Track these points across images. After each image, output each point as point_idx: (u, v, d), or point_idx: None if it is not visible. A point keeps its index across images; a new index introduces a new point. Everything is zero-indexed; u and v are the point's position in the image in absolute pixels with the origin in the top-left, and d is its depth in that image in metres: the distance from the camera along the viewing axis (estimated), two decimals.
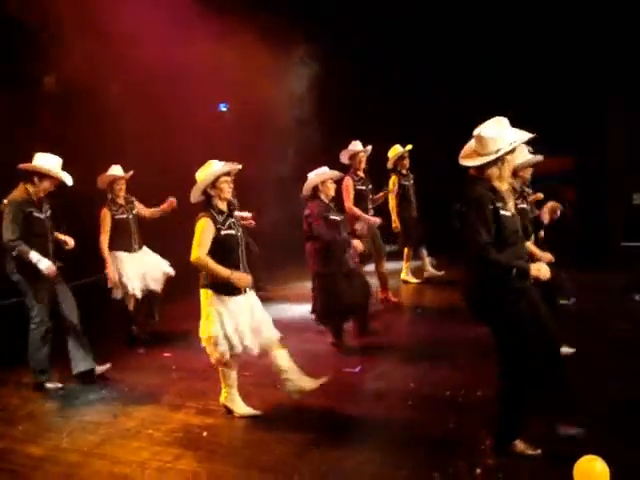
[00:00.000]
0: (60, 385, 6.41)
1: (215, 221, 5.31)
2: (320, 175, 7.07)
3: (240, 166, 5.61)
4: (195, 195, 5.45)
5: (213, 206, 5.39)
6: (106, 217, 7.59)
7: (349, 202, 8.30)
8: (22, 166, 6.32)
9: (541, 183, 9.56)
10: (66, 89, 9.65)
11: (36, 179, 6.30)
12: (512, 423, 4.55)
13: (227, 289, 5.31)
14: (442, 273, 10.25)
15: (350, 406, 5.60)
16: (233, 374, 5.59)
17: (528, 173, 6.25)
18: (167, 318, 8.38)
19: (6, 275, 6.39)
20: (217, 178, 5.35)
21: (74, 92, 9.25)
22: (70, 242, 6.63)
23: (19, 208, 6.19)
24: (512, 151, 4.45)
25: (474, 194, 4.41)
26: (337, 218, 7.11)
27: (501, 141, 4.38)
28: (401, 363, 6.58)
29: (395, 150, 9.71)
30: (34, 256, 6.14)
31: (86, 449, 5.00)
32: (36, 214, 6.30)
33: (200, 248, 5.23)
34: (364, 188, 8.55)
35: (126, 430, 5.32)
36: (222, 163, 5.51)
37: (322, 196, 7.09)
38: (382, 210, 9.48)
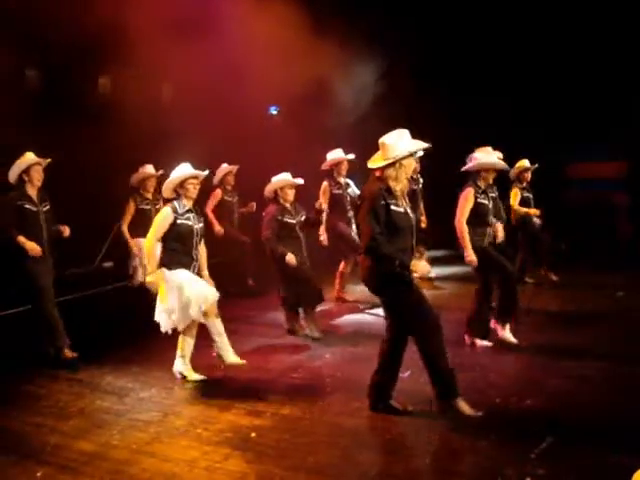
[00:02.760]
0: (76, 354, 6.93)
1: (175, 211, 6.21)
2: (280, 181, 7.66)
3: (207, 173, 6.43)
4: (166, 191, 6.38)
5: (179, 201, 6.28)
6: (130, 205, 8.56)
7: (324, 205, 8.81)
8: (11, 179, 6.94)
9: (593, 188, 9.49)
10: (119, 91, 9.80)
11: (24, 175, 6.89)
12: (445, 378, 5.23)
13: (174, 265, 6.22)
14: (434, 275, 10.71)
15: (399, 412, 5.52)
16: (191, 342, 6.43)
17: (491, 176, 6.98)
18: None
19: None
20: (185, 180, 6.24)
21: (127, 94, 9.38)
22: (66, 230, 7.10)
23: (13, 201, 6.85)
24: (407, 157, 5.20)
25: (369, 191, 5.27)
26: (292, 221, 7.66)
27: (399, 148, 5.17)
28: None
29: None
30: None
31: (135, 446, 5.03)
32: (28, 206, 6.86)
33: (153, 232, 6.23)
34: (341, 192, 9.13)
35: (175, 429, 5.34)
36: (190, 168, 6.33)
37: (281, 200, 7.65)
38: None
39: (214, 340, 6.44)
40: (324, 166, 9.21)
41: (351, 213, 9.07)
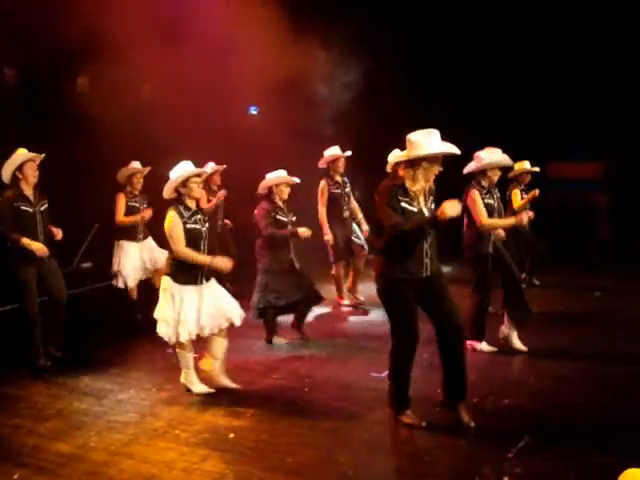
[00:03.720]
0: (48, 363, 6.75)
1: (181, 215, 5.85)
2: (276, 178, 7.46)
3: (209, 171, 5.94)
4: (167, 192, 6.01)
5: (181, 202, 5.93)
6: (122, 199, 8.29)
7: (321, 206, 8.83)
8: (4, 178, 6.75)
9: (571, 188, 9.55)
10: (98, 90, 9.74)
11: (17, 173, 6.68)
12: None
13: (183, 279, 5.88)
14: None
15: (377, 411, 5.56)
16: (189, 355, 6.08)
17: (496, 175, 6.87)
18: None
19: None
20: (188, 178, 5.89)
21: (106, 93, 9.33)
22: (59, 234, 6.93)
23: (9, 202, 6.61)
24: (428, 159, 4.91)
25: (383, 185, 5.05)
26: (284, 219, 7.48)
27: (422, 148, 4.89)
28: (428, 368, 6.52)
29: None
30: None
31: (113, 448, 5.01)
32: (24, 207, 6.65)
33: (177, 242, 5.83)
34: (339, 192, 8.97)
35: (153, 430, 5.33)
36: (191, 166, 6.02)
37: (275, 198, 7.45)
38: None
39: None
40: (321, 164, 9.03)
41: (347, 213, 8.99)
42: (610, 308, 8.73)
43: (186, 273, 5.89)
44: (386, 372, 6.19)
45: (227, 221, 9.68)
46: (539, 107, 12.45)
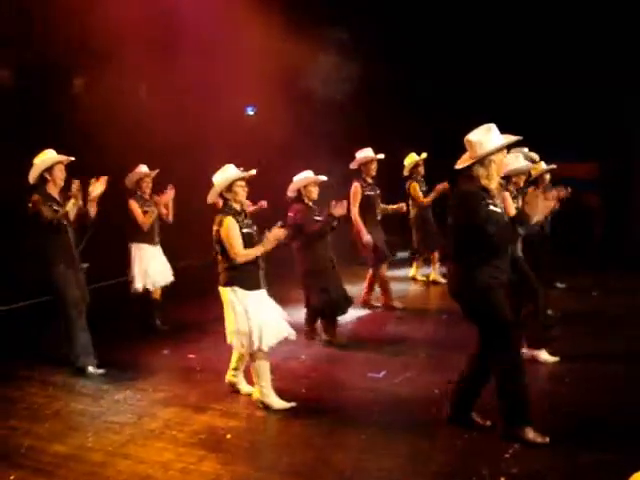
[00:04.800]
0: (102, 370, 6.65)
1: (237, 220, 5.67)
2: (303, 179, 7.41)
3: (254, 172, 5.83)
4: (212, 197, 5.87)
5: (230, 207, 5.74)
6: (134, 205, 7.99)
7: (355, 208, 8.57)
8: (31, 179, 6.63)
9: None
10: (96, 92, 9.75)
11: (46, 174, 6.60)
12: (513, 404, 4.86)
13: (249, 284, 5.66)
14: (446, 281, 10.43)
15: (374, 412, 5.58)
16: (267, 367, 5.76)
17: (522, 180, 6.81)
18: (192, 319, 8.46)
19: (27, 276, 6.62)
20: (233, 182, 5.72)
21: (103, 95, 9.34)
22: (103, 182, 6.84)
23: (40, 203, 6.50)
24: (496, 152, 4.81)
25: (464, 190, 4.87)
26: (320, 219, 7.43)
27: (487, 144, 4.78)
28: (426, 369, 6.55)
29: (411, 158, 9.99)
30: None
31: (110, 449, 5.02)
32: (56, 208, 6.55)
33: (236, 246, 5.61)
34: (372, 194, 8.78)
35: (150, 431, 5.33)
36: (237, 169, 5.86)
37: (305, 199, 7.41)
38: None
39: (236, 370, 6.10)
40: (352, 165, 8.85)
41: (380, 216, 8.86)
42: (606, 308, 8.77)
43: (253, 277, 5.72)
44: (383, 372, 6.23)
45: None
46: (532, 107, 12.49)
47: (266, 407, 5.68)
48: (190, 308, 8.94)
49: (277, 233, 5.72)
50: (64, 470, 4.73)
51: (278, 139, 11.03)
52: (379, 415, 5.48)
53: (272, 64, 10.18)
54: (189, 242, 8.74)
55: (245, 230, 5.70)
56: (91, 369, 6.66)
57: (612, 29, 11.54)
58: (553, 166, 9.34)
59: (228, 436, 5.18)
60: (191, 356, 7.19)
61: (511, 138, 4.97)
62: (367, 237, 8.51)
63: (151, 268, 8.05)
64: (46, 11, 8.29)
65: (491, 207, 4.75)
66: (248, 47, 9.95)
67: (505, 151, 4.96)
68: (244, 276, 5.67)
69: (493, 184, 4.86)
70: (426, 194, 10.08)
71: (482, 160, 4.81)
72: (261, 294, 5.76)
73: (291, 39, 10.20)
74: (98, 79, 9.64)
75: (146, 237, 8.08)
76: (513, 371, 4.81)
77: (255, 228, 5.86)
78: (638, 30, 11.35)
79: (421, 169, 10.09)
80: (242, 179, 5.79)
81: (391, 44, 12.58)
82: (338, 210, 7.26)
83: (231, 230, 5.62)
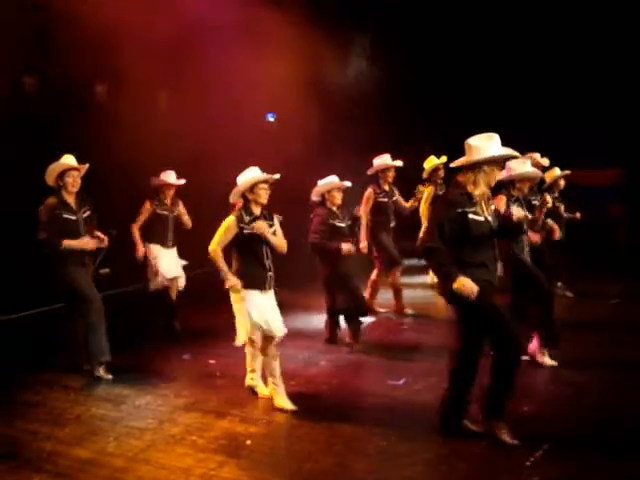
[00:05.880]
0: (110, 376, 6.68)
1: (241, 220, 5.79)
2: (327, 184, 7.46)
3: (278, 176, 5.86)
4: (234, 197, 5.95)
5: (246, 207, 5.87)
6: (146, 206, 8.13)
7: (364, 214, 8.57)
8: (49, 182, 6.66)
9: (586, 198, 9.40)
10: (116, 98, 9.80)
11: (59, 180, 6.63)
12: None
13: (248, 282, 5.81)
14: None
15: (394, 419, 5.56)
16: (275, 363, 5.90)
17: (526, 186, 6.82)
18: (212, 325, 8.46)
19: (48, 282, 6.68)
20: (256, 184, 5.82)
21: (123, 101, 9.39)
22: (104, 241, 6.80)
23: (49, 209, 6.54)
24: (490, 163, 4.88)
25: (446, 196, 5.08)
26: (342, 224, 7.48)
27: (483, 151, 4.86)
28: (445, 376, 6.51)
29: (431, 161, 10.03)
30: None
31: (131, 454, 5.03)
32: (66, 215, 6.59)
33: (214, 242, 5.83)
34: (386, 200, 8.84)
35: (171, 436, 5.34)
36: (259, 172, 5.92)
37: (328, 204, 7.46)
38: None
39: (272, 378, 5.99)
40: (370, 171, 8.91)
41: (394, 223, 8.91)
42: (627, 315, 8.70)
43: (257, 278, 5.84)
44: (403, 380, 6.20)
45: None
46: (553, 113, 12.44)
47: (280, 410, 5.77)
48: (207, 314, 8.91)
49: (262, 225, 5.81)
50: (85, 475, 4.75)
51: (298, 146, 11.05)
52: (399, 422, 5.45)
53: (293, 70, 10.20)
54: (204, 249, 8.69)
55: (247, 232, 5.80)
56: (101, 371, 6.70)
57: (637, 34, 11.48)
58: (567, 172, 9.28)
59: (248, 442, 5.17)
60: (211, 362, 7.20)
61: (509, 152, 5.00)
62: (363, 244, 8.55)
63: (162, 264, 8.16)
64: (66, 24, 8.33)
65: (471, 216, 4.83)
66: (267, 53, 9.97)
67: (499, 165, 5.03)
68: (248, 275, 5.82)
69: (477, 191, 4.91)
70: None
71: (473, 165, 4.90)
72: (262, 295, 5.85)
73: (312, 44, 10.24)
74: (118, 90, 9.69)
75: (157, 238, 8.21)
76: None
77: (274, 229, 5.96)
78: None
79: (441, 172, 10.02)
80: (265, 181, 5.86)
81: (414, 49, 12.58)
82: (346, 251, 7.34)
83: (223, 226, 5.83)
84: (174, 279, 8.26)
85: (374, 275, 9.08)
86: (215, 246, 5.82)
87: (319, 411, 5.72)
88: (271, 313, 5.87)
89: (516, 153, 5.07)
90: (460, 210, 4.83)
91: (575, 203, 9.96)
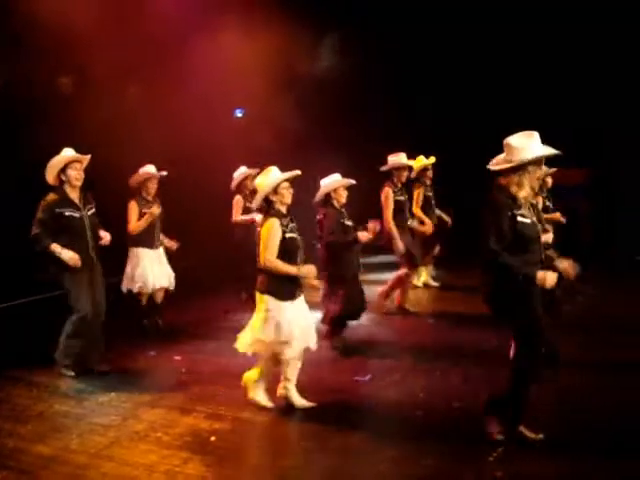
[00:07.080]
0: (73, 373, 6.56)
1: (281, 224, 5.53)
2: (333, 183, 7.25)
3: (299, 172, 5.72)
4: (257, 201, 5.71)
5: (276, 211, 5.60)
6: (134, 208, 7.73)
7: (388, 214, 8.45)
8: (49, 181, 6.44)
9: (556, 195, 9.47)
10: (82, 91, 9.71)
11: (61, 175, 6.40)
12: (519, 407, 4.82)
13: (284, 295, 5.53)
14: (438, 285, 10.66)
15: (359, 416, 5.59)
16: (296, 366, 5.79)
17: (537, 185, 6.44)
18: (178, 322, 8.42)
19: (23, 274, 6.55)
20: (278, 184, 5.58)
21: (90, 94, 9.30)
22: (105, 238, 6.66)
23: (48, 206, 6.31)
24: (534, 163, 4.66)
25: (493, 200, 4.71)
26: (350, 224, 7.28)
27: (526, 152, 4.62)
28: (411, 373, 6.55)
29: (419, 161, 9.81)
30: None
31: (94, 451, 4.99)
32: (69, 213, 6.35)
33: (268, 252, 5.49)
34: (402, 199, 8.70)
35: (135, 433, 5.30)
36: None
37: (334, 203, 7.25)
38: None
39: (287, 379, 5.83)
40: (384, 168, 8.70)
41: (410, 221, 8.81)
42: (603, 311, 8.78)
43: (287, 288, 5.55)
44: (369, 376, 6.22)
45: None
46: (522, 111, 12.55)
47: (291, 404, 5.71)
48: (174, 310, 8.79)
49: (310, 269, 5.61)
50: (47, 472, 4.71)
51: (269, 141, 11.02)
52: (365, 418, 5.48)
53: (264, 65, 10.17)
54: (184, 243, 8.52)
55: (289, 235, 5.56)
56: (63, 369, 6.60)
57: (610, 39, 11.61)
58: (553, 169, 9.34)
59: (213, 438, 5.16)
60: (177, 358, 7.16)
61: (551, 150, 4.73)
62: (400, 244, 8.36)
63: (147, 271, 7.82)
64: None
65: (519, 218, 4.65)
66: (238, 49, 9.94)
67: (542, 164, 4.79)
68: (279, 285, 5.53)
69: (522, 193, 4.72)
70: (432, 200, 9.88)
71: (517, 167, 4.67)
72: (294, 304, 5.60)
73: (286, 39, 10.23)
74: (86, 82, 9.60)
75: (145, 241, 7.83)
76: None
77: (298, 235, 5.72)
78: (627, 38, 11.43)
79: (429, 173, 9.83)
80: (287, 180, 5.66)
81: (389, 43, 12.60)
82: (364, 237, 7.12)
83: (271, 232, 5.50)
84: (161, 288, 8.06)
85: (401, 273, 8.81)
86: (272, 256, 5.49)
87: (284, 408, 5.71)
88: (304, 322, 5.67)
89: (557, 151, 4.75)
90: (510, 213, 4.63)
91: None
